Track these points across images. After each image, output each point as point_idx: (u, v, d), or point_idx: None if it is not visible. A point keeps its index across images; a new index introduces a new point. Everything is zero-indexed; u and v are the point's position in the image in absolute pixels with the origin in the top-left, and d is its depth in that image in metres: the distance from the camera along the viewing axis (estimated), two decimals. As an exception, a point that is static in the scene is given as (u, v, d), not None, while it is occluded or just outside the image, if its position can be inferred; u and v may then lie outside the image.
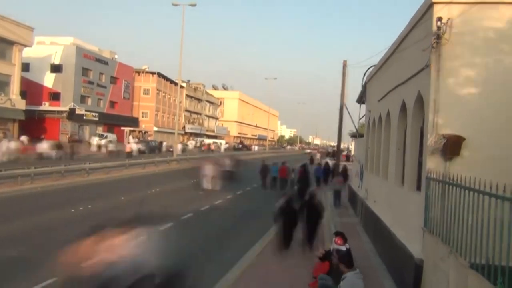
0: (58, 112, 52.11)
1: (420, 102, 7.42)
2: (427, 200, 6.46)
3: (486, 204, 4.49)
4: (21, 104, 45.54)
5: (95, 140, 46.76)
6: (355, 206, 16.22)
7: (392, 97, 9.86)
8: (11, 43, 44.16)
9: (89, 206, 14.78)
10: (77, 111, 52.51)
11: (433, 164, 6.55)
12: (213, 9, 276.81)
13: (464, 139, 6.35)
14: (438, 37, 6.35)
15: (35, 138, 46.14)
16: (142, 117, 70.57)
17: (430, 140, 6.49)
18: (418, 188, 7.64)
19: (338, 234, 8.29)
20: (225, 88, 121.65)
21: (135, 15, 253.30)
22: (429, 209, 6.42)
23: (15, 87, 45.22)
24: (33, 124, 48.18)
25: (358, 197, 15.44)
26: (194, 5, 37.42)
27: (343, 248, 7.78)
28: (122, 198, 17.24)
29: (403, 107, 8.77)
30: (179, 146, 53.83)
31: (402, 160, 8.93)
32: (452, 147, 6.32)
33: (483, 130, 6.41)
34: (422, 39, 7.05)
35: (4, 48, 43.92)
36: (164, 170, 32.25)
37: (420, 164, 7.60)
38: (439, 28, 6.34)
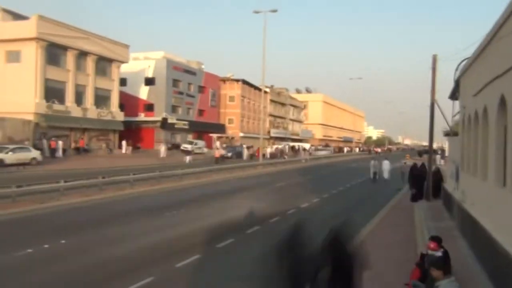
0: (152, 122, 55.80)
1: (522, 95, 6.76)
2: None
3: None
4: (120, 116, 49.57)
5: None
6: (451, 209, 15.18)
7: (489, 91, 9.10)
8: (110, 60, 48.34)
9: (182, 210, 15.70)
10: (169, 120, 55.77)
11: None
12: (294, 11, 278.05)
13: None
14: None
15: (133, 146, 50.02)
16: (229, 123, 72.87)
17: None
18: (523, 189, 6.95)
19: (432, 238, 7.83)
20: (308, 91, 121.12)
21: (219, 25, 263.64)
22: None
23: (114, 100, 49.37)
24: (130, 134, 52.15)
25: (453, 199, 14.44)
26: (275, 11, 37.95)
27: (438, 253, 7.33)
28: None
29: (502, 102, 8.05)
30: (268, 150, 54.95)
31: (503, 159, 8.18)
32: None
33: None
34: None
35: (105, 66, 48.18)
36: (250, 175, 32.90)
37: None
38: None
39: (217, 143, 58.02)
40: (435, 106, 20.14)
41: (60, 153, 37.61)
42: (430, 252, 7.27)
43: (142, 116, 56.42)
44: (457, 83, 14.88)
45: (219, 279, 8.68)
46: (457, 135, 16.93)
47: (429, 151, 21.60)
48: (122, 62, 50.40)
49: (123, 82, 53.29)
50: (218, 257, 10.28)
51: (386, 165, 29.25)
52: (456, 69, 14.30)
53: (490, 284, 7.79)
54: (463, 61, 13.54)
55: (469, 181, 11.86)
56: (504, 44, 7.76)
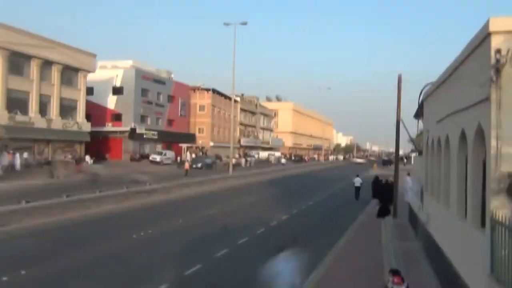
0: (120, 132, 54.77)
1: (481, 134, 6.97)
2: (493, 243, 6.02)
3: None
4: (86, 127, 48.38)
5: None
6: (416, 228, 15.52)
7: (451, 122, 9.37)
8: (76, 70, 47.18)
9: (149, 231, 15.39)
10: (138, 131, 54.89)
11: (497, 204, 6.11)
12: (265, 23, 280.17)
13: (531, 178, 5.88)
14: (497, 70, 5.95)
15: (100, 157, 48.88)
16: (199, 133, 72.40)
17: (494, 179, 6.07)
18: (483, 224, 7.15)
19: (394, 272, 7.96)
20: (279, 99, 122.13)
21: (189, 35, 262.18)
22: (495, 255, 5.98)
23: (81, 111, 48.14)
24: (98, 145, 50.99)
25: (419, 219, 14.78)
26: (245, 23, 38.11)
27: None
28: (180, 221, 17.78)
29: (463, 135, 8.29)
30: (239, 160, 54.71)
31: (464, 190, 8.42)
32: (518, 187, 5.87)
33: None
34: (479, 69, 6.65)
35: (71, 75, 46.98)
36: (221, 188, 32.60)
37: (484, 199, 7.13)
38: (498, 60, 5.95)
39: (188, 154, 57.56)
40: (401, 122, 20.66)
41: (18, 166, 36.08)
42: (395, 287, 7.42)
43: (109, 126, 55.28)
44: (421, 105, 15.28)
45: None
46: (421, 153, 17.38)
47: (395, 168, 22.06)
48: (89, 71, 49.23)
49: (90, 91, 52.06)
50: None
51: (357, 182, 28.82)
52: (421, 93, 14.71)
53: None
54: (426, 85, 13.95)
55: (433, 205, 12.14)
56: (464, 81, 8.02)
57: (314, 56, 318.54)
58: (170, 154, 56.18)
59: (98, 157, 48.08)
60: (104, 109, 55.91)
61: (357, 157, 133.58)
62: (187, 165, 42.93)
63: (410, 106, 20.37)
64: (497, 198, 6.14)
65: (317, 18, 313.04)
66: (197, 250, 13.22)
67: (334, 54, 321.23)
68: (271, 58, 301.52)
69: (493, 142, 6.15)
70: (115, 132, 54.87)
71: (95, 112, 53.11)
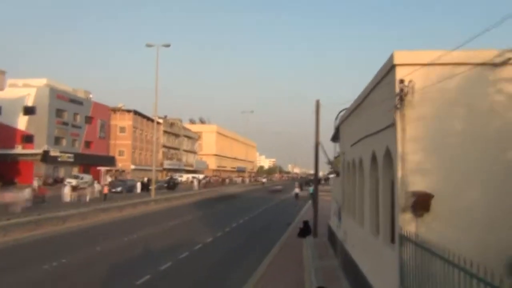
0: (31, 154, 51.12)
1: (389, 156, 7.61)
2: (402, 259, 6.53)
3: (456, 275, 4.59)
4: (-8, 149, 44.58)
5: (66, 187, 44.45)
6: (335, 246, 16.21)
7: (364, 145, 10.08)
8: (-18, 87, 43.61)
9: (63, 261, 14.41)
10: (52, 153, 51.72)
11: (405, 220, 6.67)
12: (189, 45, 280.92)
13: (432, 196, 6.50)
14: (401, 98, 6.59)
15: (8, 181, 45.02)
16: (119, 155, 69.84)
17: (401, 197, 6.63)
18: (393, 240, 7.72)
19: None
20: (202, 121, 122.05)
21: (110, 54, 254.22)
22: (404, 267, 6.49)
23: (-14, 132, 44.33)
24: (6, 168, 47.08)
25: (337, 237, 15.47)
26: (168, 45, 37.93)
27: None
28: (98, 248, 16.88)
29: (374, 158, 8.96)
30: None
31: (376, 209, 9.05)
32: (421, 204, 6.46)
33: (449, 185, 6.62)
34: (386, 97, 7.30)
35: (-25, 93, 43.30)
36: (142, 212, 31.61)
37: (393, 216, 7.72)
38: (401, 89, 6.59)
39: (107, 177, 55.09)
40: (320, 145, 21.68)
41: None
42: None
43: (19, 149, 51.41)
44: (337, 129, 16.22)
45: None
46: (338, 174, 18.32)
47: (315, 188, 22.96)
48: (-3, 89, 45.79)
49: (-3, 110, 48.28)
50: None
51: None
52: (336, 117, 15.63)
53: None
54: (342, 110, 14.86)
55: (349, 223, 12.82)
56: (374, 108, 8.72)
57: (237, 80, 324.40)
58: (87, 178, 53.35)
59: (5, 182, 44.27)
60: (13, 130, 52.00)
61: (274, 185, 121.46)
62: (105, 189, 41.00)
63: (328, 129, 21.52)
64: (404, 215, 6.70)
65: (241, 41, 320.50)
66: (119, 276, 12.64)
67: (257, 78, 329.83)
68: (194, 81, 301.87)
69: (399, 164, 6.75)
70: (26, 154, 51.10)
71: (2, 133, 49.31)
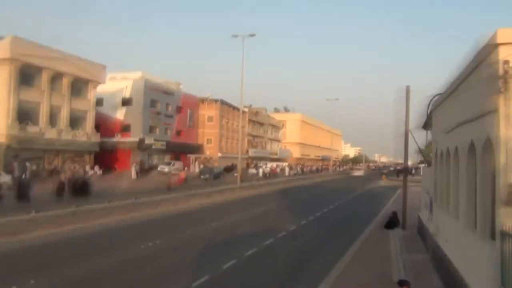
0: (128, 143, 55.08)
1: (490, 144, 6.94)
2: (503, 257, 5.96)
3: None
4: (96, 137, 48.82)
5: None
6: (425, 240, 15.37)
7: (460, 132, 9.33)
8: (86, 81, 47.81)
9: (157, 242, 15.43)
10: (146, 141, 55.16)
11: (507, 215, 6.06)
12: (274, 34, 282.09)
13: (541, 189, 5.83)
14: (505, 81, 5.95)
15: (109, 168, 49.17)
16: (207, 143, 72.62)
17: (503, 190, 6.03)
18: (493, 236, 7.08)
19: (403, 284, 7.90)
20: (287, 110, 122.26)
21: (198, 46, 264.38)
22: (506, 267, 5.91)
23: (90, 122, 48.65)
24: (107, 155, 51.30)
25: (427, 231, 14.64)
26: (253, 35, 38.37)
27: None
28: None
29: (472, 146, 8.25)
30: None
31: (474, 202, 8.35)
32: (528, 198, 5.83)
33: None
34: (487, 80, 6.64)
35: (80, 86, 47.58)
36: (228, 199, 32.58)
37: (493, 210, 7.07)
38: (506, 71, 5.95)
39: (196, 163, 56.99)
40: (410, 133, 20.58)
41: (27, 175, 36.30)
42: None
43: (118, 137, 55.64)
44: (429, 116, 15.23)
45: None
46: (430, 164, 17.26)
47: (404, 178, 21.93)
48: (99, 82, 49.88)
49: (99, 102, 52.58)
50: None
51: None
52: (429, 104, 14.66)
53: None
54: (435, 96, 13.90)
55: (442, 216, 12.05)
56: (472, 92, 8.01)
57: (322, 67, 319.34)
58: (178, 164, 56.36)
59: (106, 168, 48.33)
60: (113, 120, 56.37)
61: (356, 169, 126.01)
62: (182, 175, 42.31)
63: (418, 117, 20.31)
64: (506, 209, 6.10)
65: (326, 29, 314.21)
66: (206, 259, 13.21)
67: (342, 66, 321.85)
68: (279, 69, 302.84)
69: (502, 154, 6.13)
70: (124, 143, 55.20)
71: (104, 123, 53.59)
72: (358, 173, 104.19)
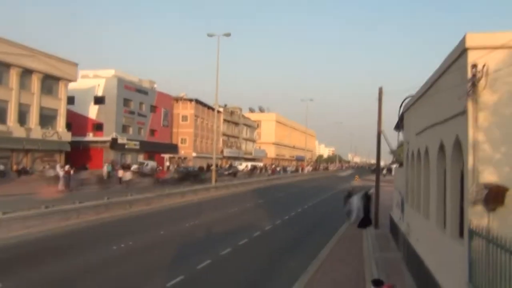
0: (101, 142, 54.17)
1: (459, 145, 7.16)
2: (471, 254, 6.16)
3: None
4: (67, 136, 47.79)
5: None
6: (397, 239, 15.70)
7: (430, 134, 9.59)
8: (57, 79, 46.73)
9: (130, 243, 15.20)
10: (119, 141, 54.42)
11: (475, 214, 6.27)
12: (249, 34, 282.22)
13: (507, 189, 6.05)
14: (474, 84, 6.16)
15: (80, 167, 48.13)
16: (181, 143, 72.12)
17: (471, 190, 6.23)
18: (461, 234, 7.31)
19: (377, 283, 8.05)
20: (261, 110, 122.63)
21: (173, 46, 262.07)
22: (473, 263, 6.12)
23: (61, 120, 47.59)
24: (78, 154, 50.29)
25: (399, 230, 14.96)
26: (228, 35, 38.27)
27: None
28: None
29: (442, 147, 8.49)
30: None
31: (443, 201, 8.59)
32: (494, 197, 6.04)
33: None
34: (457, 83, 6.85)
35: (51, 84, 46.46)
36: (203, 199, 32.43)
37: (462, 209, 7.30)
38: (474, 75, 6.15)
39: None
40: (382, 134, 20.98)
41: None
42: None
43: (90, 136, 54.68)
44: (401, 117, 15.57)
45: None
46: (402, 164, 17.65)
47: (376, 178, 22.33)
48: (70, 80, 48.83)
49: (71, 100, 51.53)
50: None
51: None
52: (401, 105, 15.00)
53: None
54: (406, 98, 14.24)
55: (413, 215, 12.34)
56: (443, 94, 8.24)
57: (297, 68, 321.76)
58: (151, 164, 55.72)
59: (78, 167, 47.30)
60: (85, 119, 55.32)
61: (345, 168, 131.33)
62: (163, 173, 42.34)
63: (391, 118, 20.76)
64: (474, 208, 6.30)
65: (300, 30, 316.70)
66: (180, 260, 13.12)
67: (317, 67, 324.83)
68: (254, 69, 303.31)
69: (470, 154, 6.33)
70: (96, 142, 54.28)
71: (76, 122, 52.55)
72: (344, 173, 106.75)
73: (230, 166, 73.93)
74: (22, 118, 42.31)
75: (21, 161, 42.42)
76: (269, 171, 76.38)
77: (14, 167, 41.05)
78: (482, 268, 5.82)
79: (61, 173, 32.69)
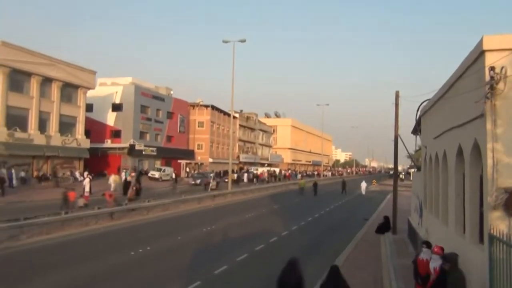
0: (119, 148, 54.79)
1: (477, 150, 7.06)
2: (491, 259, 6.05)
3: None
4: (85, 143, 48.47)
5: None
6: (415, 245, 15.47)
7: (448, 138, 9.47)
8: (76, 87, 47.51)
9: (148, 248, 15.34)
10: (137, 147, 54.91)
11: (495, 219, 6.16)
12: (265, 41, 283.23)
13: (528, 193, 5.94)
14: (492, 87, 6.07)
15: (98, 173, 48.76)
16: (198, 149, 72.43)
17: (491, 194, 6.13)
18: (481, 240, 7.18)
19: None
20: (277, 115, 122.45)
21: (189, 52, 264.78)
22: (493, 269, 6.00)
23: (80, 127, 48.30)
24: (96, 161, 50.95)
25: (418, 235, 14.75)
26: (243, 41, 38.42)
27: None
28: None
29: (460, 151, 8.38)
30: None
31: (462, 206, 8.47)
32: (515, 202, 5.93)
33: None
34: (474, 86, 6.76)
35: (70, 92, 47.26)
36: (219, 204, 32.50)
37: (482, 214, 7.17)
38: (492, 77, 6.07)
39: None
40: (399, 138, 20.78)
41: (14, 182, 36.07)
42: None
43: (108, 143, 55.34)
44: (419, 121, 15.41)
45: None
46: (420, 169, 17.43)
47: (394, 183, 22.09)
48: (89, 88, 49.60)
49: (89, 108, 52.30)
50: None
51: None
52: (418, 109, 14.84)
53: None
54: (424, 101, 14.09)
55: (431, 221, 12.17)
56: (460, 98, 8.13)
57: (313, 73, 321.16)
58: (168, 170, 56.13)
59: (96, 173, 47.95)
60: (103, 126, 56.06)
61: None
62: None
63: (408, 122, 20.56)
64: (494, 213, 6.19)
65: (316, 35, 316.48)
66: (198, 265, 13.16)
67: (333, 72, 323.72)
68: (270, 75, 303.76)
69: (490, 158, 6.23)
70: (114, 148, 54.91)
71: (94, 129, 53.30)
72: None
73: (247, 171, 73.90)
74: (42, 126, 43.11)
75: (42, 167, 43.18)
76: (286, 175, 76.33)
77: (35, 174, 41.83)
78: (503, 274, 5.70)
79: (80, 178, 33.13)
